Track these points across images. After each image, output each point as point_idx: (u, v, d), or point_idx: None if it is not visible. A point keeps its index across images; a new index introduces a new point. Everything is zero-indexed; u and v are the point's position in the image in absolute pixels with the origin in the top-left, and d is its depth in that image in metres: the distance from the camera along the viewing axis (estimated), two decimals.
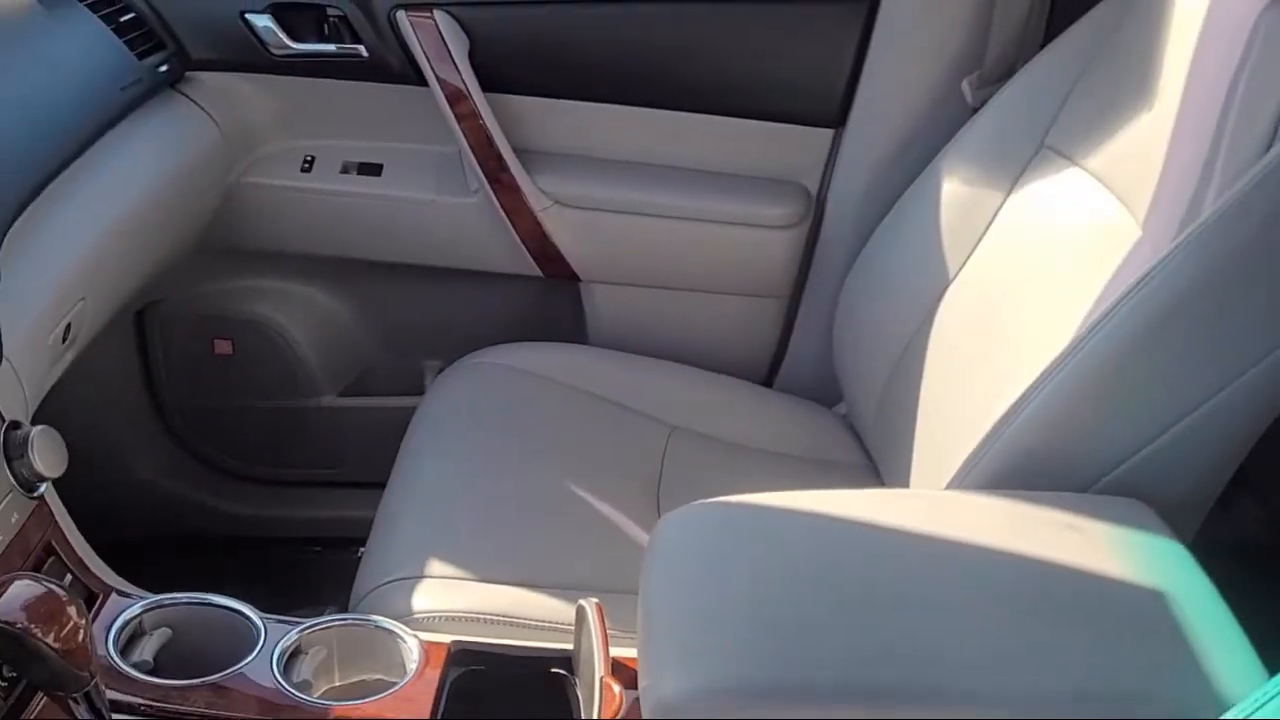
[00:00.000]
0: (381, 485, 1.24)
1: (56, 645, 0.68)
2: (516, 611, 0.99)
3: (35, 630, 0.68)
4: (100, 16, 1.28)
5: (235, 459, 1.68)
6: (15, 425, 0.87)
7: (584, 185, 1.48)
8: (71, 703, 0.74)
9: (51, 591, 0.70)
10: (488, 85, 1.43)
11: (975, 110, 1.32)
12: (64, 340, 1.04)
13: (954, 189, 1.26)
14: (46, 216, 1.04)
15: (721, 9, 1.44)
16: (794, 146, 1.48)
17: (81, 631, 0.71)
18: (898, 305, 1.28)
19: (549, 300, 1.59)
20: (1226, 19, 0.96)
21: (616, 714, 0.81)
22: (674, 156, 1.50)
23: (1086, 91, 1.17)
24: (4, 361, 0.86)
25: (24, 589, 0.69)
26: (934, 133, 1.34)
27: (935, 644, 0.68)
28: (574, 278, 1.54)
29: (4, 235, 0.93)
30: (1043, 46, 1.27)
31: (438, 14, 1.39)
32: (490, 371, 1.40)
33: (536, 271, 1.53)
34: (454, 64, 1.40)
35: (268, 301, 1.61)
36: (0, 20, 1.13)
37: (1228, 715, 0.59)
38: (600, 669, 0.82)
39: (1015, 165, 1.21)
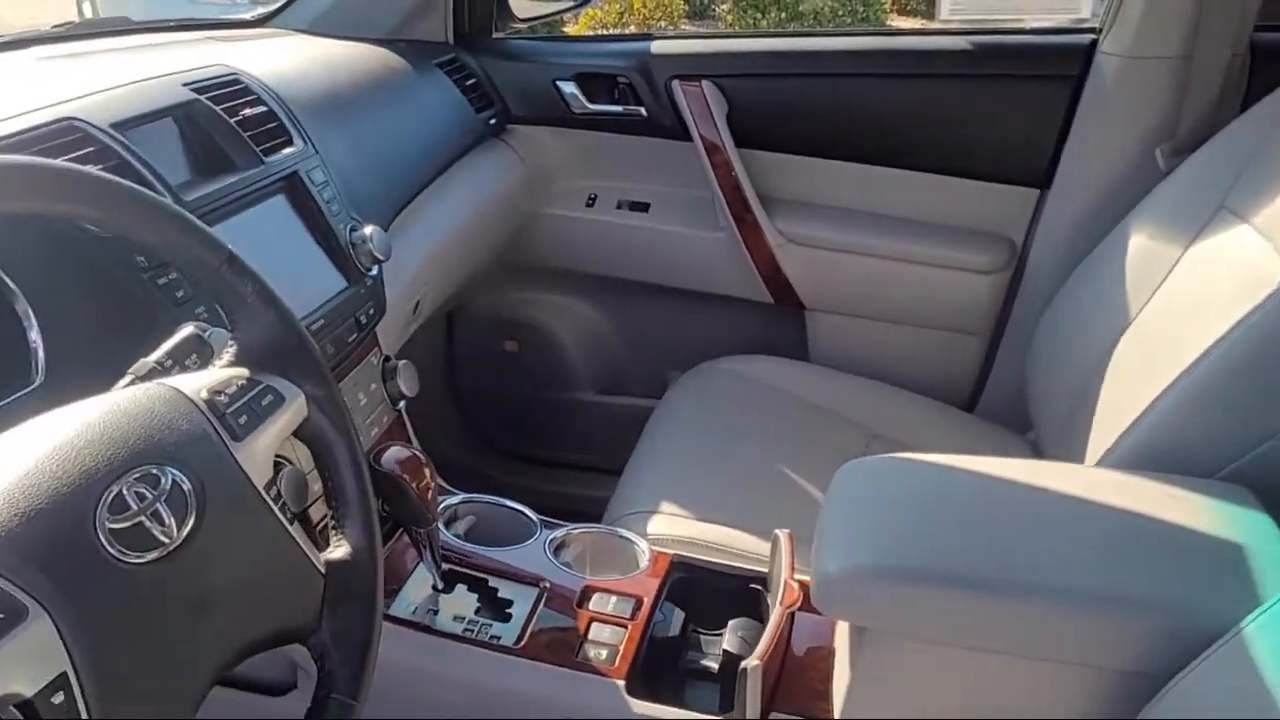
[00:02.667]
0: (614, 473, 1.51)
1: (416, 490, 1.02)
2: (725, 542, 1.26)
3: (405, 477, 1.01)
4: (452, 80, 1.69)
5: (509, 438, 2.04)
6: (388, 358, 1.24)
7: (814, 227, 1.76)
8: (419, 543, 1.07)
9: (416, 455, 1.03)
10: (740, 142, 1.74)
11: (1165, 175, 1.48)
12: (413, 312, 1.41)
13: (1140, 243, 1.43)
14: (411, 222, 1.42)
15: (944, 82, 1.68)
16: (1002, 203, 1.70)
17: (432, 488, 1.04)
18: (1083, 345, 1.45)
19: (776, 323, 1.86)
20: None
21: (793, 605, 1.06)
22: (894, 207, 1.75)
23: (1265, 159, 1.32)
24: (387, 314, 1.23)
25: (399, 450, 1.03)
26: (1128, 193, 1.51)
27: (1037, 554, 0.89)
28: (799, 305, 1.80)
29: (386, 230, 1.30)
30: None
31: (705, 83, 1.72)
32: (722, 377, 1.68)
33: (768, 298, 1.81)
34: (714, 124, 1.72)
35: (547, 311, 1.97)
36: (389, 79, 1.54)
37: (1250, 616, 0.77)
38: (785, 573, 1.08)
39: (1196, 224, 1.36)
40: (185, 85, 1.11)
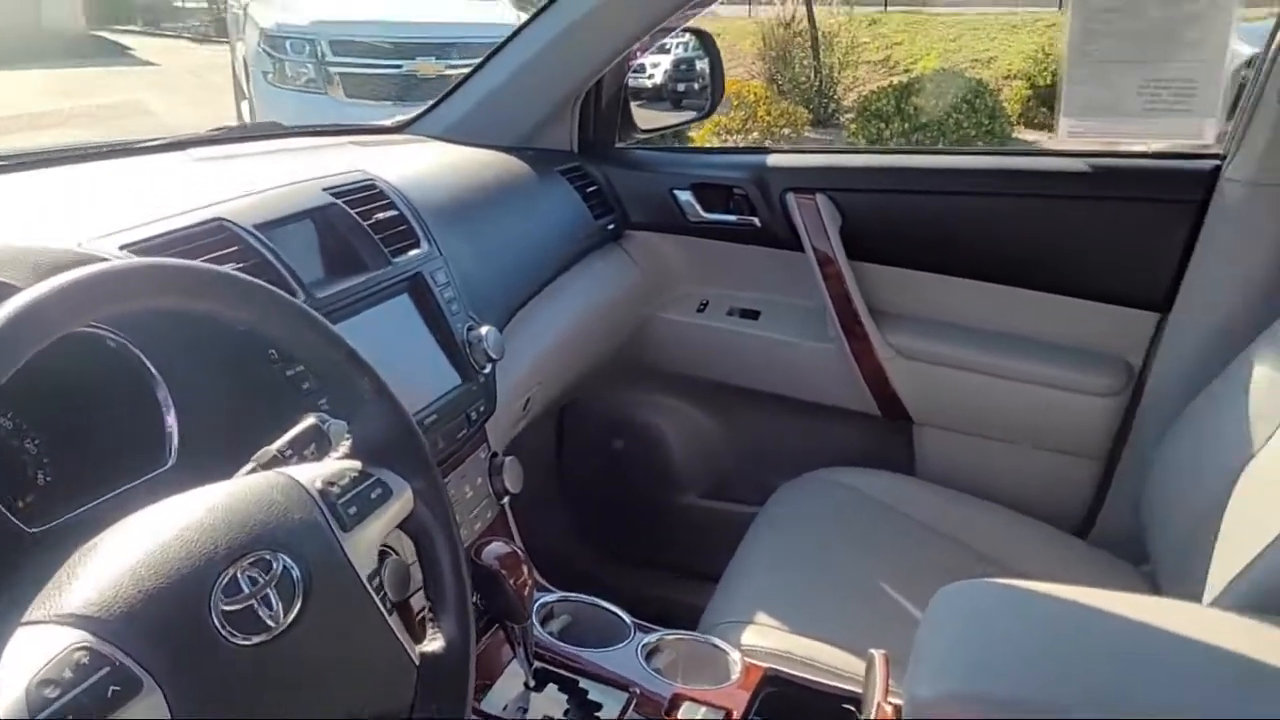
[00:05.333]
0: (713, 578, 1.49)
1: (513, 587, 1.04)
2: (820, 658, 1.24)
3: (503, 573, 1.04)
4: (574, 186, 1.76)
5: (610, 536, 2.05)
6: (494, 454, 1.28)
7: (925, 342, 1.75)
8: (513, 639, 1.09)
9: (515, 552, 1.06)
10: (853, 254, 1.75)
11: None
12: (523, 409, 1.46)
13: (1264, 373, 1.37)
14: (524, 323, 1.47)
15: (1062, 203, 1.67)
16: (1121, 325, 1.66)
17: (529, 585, 1.06)
18: (1202, 477, 1.39)
19: (883, 436, 1.85)
20: None
21: None
22: (1008, 324, 1.73)
23: None
24: (497, 411, 1.27)
25: (499, 546, 1.06)
26: (1252, 320, 1.46)
27: (1146, 693, 0.86)
28: (907, 419, 1.79)
29: (502, 330, 1.36)
30: None
31: (819, 196, 1.75)
32: (827, 488, 1.67)
33: (876, 410, 1.80)
34: (827, 236, 1.74)
35: (656, 412, 2.00)
36: (514, 185, 1.62)
37: None
38: (878, 695, 1.06)
39: None
40: (325, 189, 1.19)
